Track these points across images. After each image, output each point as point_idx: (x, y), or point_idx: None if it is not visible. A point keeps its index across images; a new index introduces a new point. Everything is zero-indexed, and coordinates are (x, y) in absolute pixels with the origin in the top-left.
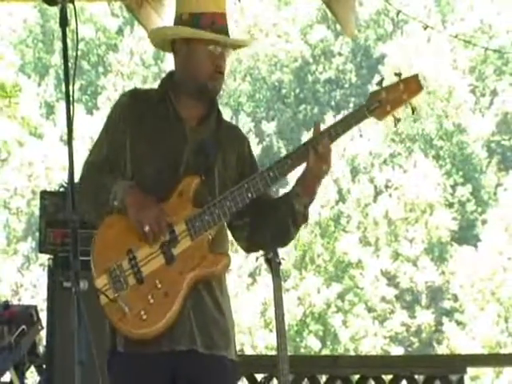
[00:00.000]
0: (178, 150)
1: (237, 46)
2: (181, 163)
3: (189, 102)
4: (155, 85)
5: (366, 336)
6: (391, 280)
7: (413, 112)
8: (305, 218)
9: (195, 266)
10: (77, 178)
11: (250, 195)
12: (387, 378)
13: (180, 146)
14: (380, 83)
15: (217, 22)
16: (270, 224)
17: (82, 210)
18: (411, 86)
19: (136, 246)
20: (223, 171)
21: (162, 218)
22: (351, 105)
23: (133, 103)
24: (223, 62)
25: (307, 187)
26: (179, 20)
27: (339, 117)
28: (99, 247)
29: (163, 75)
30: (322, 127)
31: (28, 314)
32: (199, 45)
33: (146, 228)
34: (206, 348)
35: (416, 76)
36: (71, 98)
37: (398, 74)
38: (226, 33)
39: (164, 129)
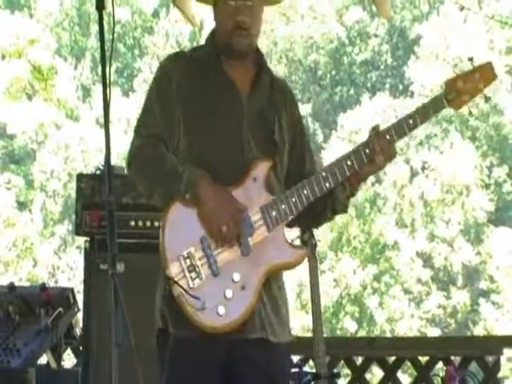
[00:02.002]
0: (237, 122)
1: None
2: (243, 139)
3: (235, 63)
4: None
5: (402, 318)
6: (427, 261)
7: (486, 101)
8: (345, 210)
9: (273, 257)
10: (113, 161)
11: (328, 185)
12: (423, 359)
13: (239, 117)
14: (471, 61)
15: None
16: (308, 210)
17: (144, 193)
18: (486, 74)
19: (210, 234)
20: (280, 141)
21: (239, 218)
22: (387, 86)
23: (182, 69)
24: (244, 17)
25: (356, 181)
26: None
27: (375, 99)
28: (170, 231)
29: None
30: (359, 111)
31: (65, 297)
32: (221, 5)
33: (224, 228)
34: (274, 336)
35: (490, 64)
36: (107, 81)
37: (471, 59)
38: None
39: (219, 98)
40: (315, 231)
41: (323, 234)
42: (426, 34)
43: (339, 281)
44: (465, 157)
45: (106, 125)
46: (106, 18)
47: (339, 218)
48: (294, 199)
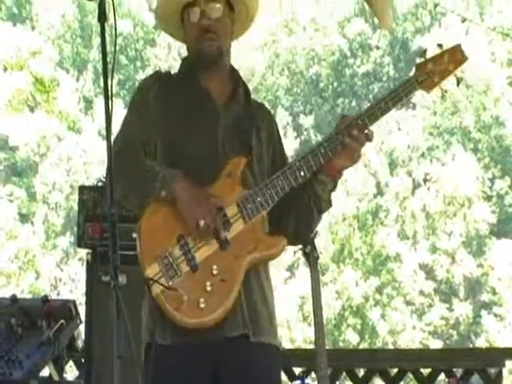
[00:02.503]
0: (212, 127)
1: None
2: (217, 141)
3: (211, 76)
4: None
5: (405, 329)
6: (429, 273)
7: (458, 83)
8: (329, 204)
9: (252, 249)
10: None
11: (302, 174)
12: (425, 371)
13: (214, 123)
14: (423, 54)
15: None
16: (293, 214)
17: (121, 194)
18: (456, 56)
19: (187, 232)
20: (258, 146)
21: (216, 212)
22: None
23: (159, 83)
24: (207, 20)
25: (334, 173)
26: None
27: None
28: (146, 235)
29: None
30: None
31: (67, 309)
32: (187, 14)
33: (201, 223)
34: (255, 335)
35: (459, 46)
36: (109, 93)
37: (440, 45)
38: None
39: (195, 107)
40: (317, 243)
41: (325, 246)
42: (428, 46)
43: (341, 293)
44: (467, 169)
45: (108, 137)
46: (108, 30)
47: (341, 230)
48: (269, 191)
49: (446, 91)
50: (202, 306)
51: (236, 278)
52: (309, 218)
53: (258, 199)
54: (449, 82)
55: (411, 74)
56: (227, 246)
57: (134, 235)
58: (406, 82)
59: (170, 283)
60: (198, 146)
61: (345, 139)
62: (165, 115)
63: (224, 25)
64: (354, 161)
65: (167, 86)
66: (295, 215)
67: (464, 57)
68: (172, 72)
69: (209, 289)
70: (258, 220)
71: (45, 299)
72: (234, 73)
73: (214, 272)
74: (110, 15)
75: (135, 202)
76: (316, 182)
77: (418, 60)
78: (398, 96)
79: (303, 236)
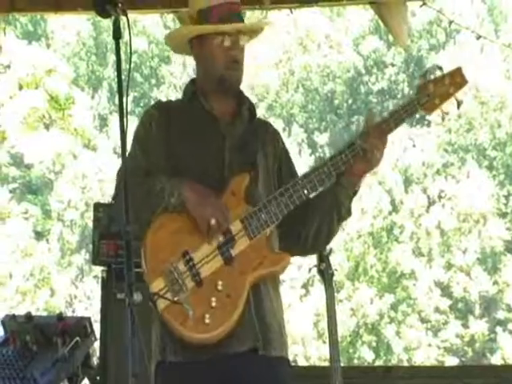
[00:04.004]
0: (218, 148)
1: (251, 32)
2: (224, 162)
3: (217, 99)
4: None
5: (420, 347)
6: (444, 290)
7: (458, 107)
8: (349, 213)
9: (257, 265)
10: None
11: (305, 192)
12: None
13: (219, 143)
14: (424, 75)
15: (225, 12)
16: (315, 221)
17: (132, 218)
18: (456, 79)
19: (192, 247)
20: (265, 163)
21: (226, 209)
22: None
23: (163, 112)
24: (236, 51)
25: (354, 179)
26: (190, 20)
27: None
28: (151, 249)
29: None
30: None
31: (82, 326)
32: (209, 39)
33: (212, 221)
34: (264, 349)
35: (459, 69)
36: (124, 111)
37: (440, 68)
38: (239, 20)
39: (199, 129)
40: (332, 260)
41: (340, 263)
42: (443, 63)
43: (356, 310)
44: (482, 186)
45: (124, 154)
46: (122, 47)
47: (356, 247)
48: (273, 208)
49: (447, 113)
50: (207, 321)
51: (241, 294)
52: (330, 226)
53: (263, 216)
54: (451, 104)
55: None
56: (232, 261)
57: (142, 245)
58: (407, 104)
59: (176, 298)
60: (205, 171)
61: (364, 145)
62: (169, 141)
63: (244, 54)
64: (370, 162)
65: (169, 113)
66: (317, 222)
67: (464, 80)
68: (173, 99)
69: (214, 304)
70: (262, 237)
71: (60, 316)
72: (239, 92)
73: (219, 288)
74: (125, 33)
75: (146, 218)
76: (337, 186)
77: (427, 77)
78: (400, 117)
79: (321, 245)
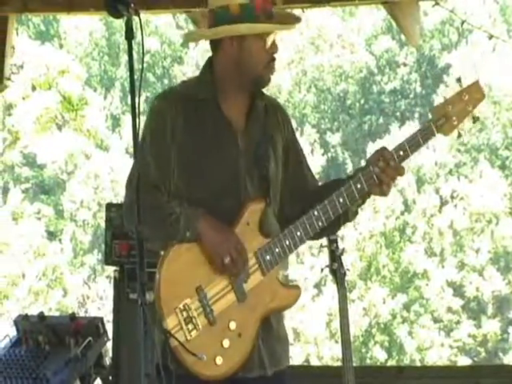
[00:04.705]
0: (233, 162)
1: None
2: (239, 176)
3: (235, 95)
4: None
5: (432, 346)
6: (457, 290)
7: (474, 122)
8: (355, 214)
9: (268, 301)
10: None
11: (320, 224)
12: None
13: (235, 158)
14: (459, 82)
15: (267, 8)
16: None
17: (143, 235)
18: (474, 94)
19: (206, 282)
20: (275, 169)
21: (242, 248)
22: (416, 115)
23: (176, 110)
24: (276, 50)
25: (366, 196)
26: (226, 13)
27: (404, 128)
28: (165, 283)
29: None
30: (388, 140)
31: (94, 326)
32: (253, 38)
33: (227, 260)
34: (271, 367)
35: (477, 83)
36: (137, 111)
37: (459, 80)
38: (272, 15)
39: (214, 137)
40: (344, 260)
41: (352, 263)
42: (455, 63)
43: (369, 310)
44: (494, 185)
45: (136, 154)
46: (135, 47)
47: (368, 248)
48: (287, 241)
49: (462, 130)
50: (219, 362)
51: (252, 332)
52: (333, 227)
53: (277, 250)
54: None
55: (429, 117)
56: (244, 297)
57: (156, 278)
58: (425, 129)
59: (189, 337)
60: (219, 181)
61: (364, 189)
62: (184, 151)
63: None
64: (383, 193)
65: (185, 111)
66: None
67: (482, 95)
68: (187, 88)
69: (226, 346)
70: (274, 271)
71: (72, 317)
72: None
73: (232, 327)
74: (138, 33)
75: (160, 245)
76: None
77: (436, 100)
78: (417, 143)
79: (319, 236)
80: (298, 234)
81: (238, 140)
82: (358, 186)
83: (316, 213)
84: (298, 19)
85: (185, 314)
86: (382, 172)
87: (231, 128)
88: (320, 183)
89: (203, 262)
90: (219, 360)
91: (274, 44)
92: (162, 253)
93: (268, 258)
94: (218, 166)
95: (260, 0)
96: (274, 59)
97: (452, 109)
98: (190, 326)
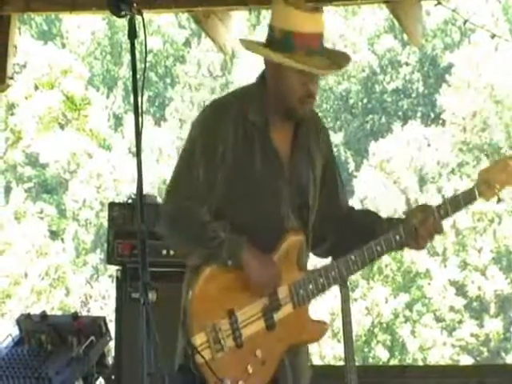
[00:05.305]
0: (277, 192)
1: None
2: (280, 206)
3: (281, 124)
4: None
5: (435, 346)
6: (459, 289)
7: (498, 202)
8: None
9: (296, 334)
10: (145, 190)
11: (356, 267)
12: None
13: (280, 187)
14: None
15: (312, 45)
16: (346, 246)
17: (181, 251)
18: None
19: (238, 307)
20: (313, 193)
21: (280, 280)
22: (419, 114)
23: (228, 130)
24: (314, 85)
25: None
26: (271, 34)
27: (407, 126)
28: (199, 299)
29: (231, 86)
30: (390, 139)
31: (97, 326)
32: (287, 70)
33: (268, 293)
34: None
35: None
36: (140, 110)
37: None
38: (322, 53)
39: (261, 168)
40: None
41: None
42: (458, 62)
43: (371, 309)
44: None
45: (138, 154)
46: (137, 47)
47: None
48: (321, 280)
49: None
50: None
51: (275, 362)
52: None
53: (310, 287)
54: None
55: (474, 182)
56: (273, 327)
57: (190, 293)
58: (467, 192)
59: (215, 357)
60: (263, 209)
61: (403, 240)
62: (232, 173)
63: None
64: (419, 247)
65: (236, 134)
66: (348, 244)
67: None
68: (238, 101)
69: (250, 371)
70: (305, 305)
71: (75, 316)
72: None
73: (257, 354)
74: (140, 32)
75: (197, 261)
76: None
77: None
78: (458, 205)
79: (330, 255)
80: (333, 274)
81: (285, 171)
82: (397, 237)
83: (353, 257)
84: (347, 60)
85: (214, 334)
86: (421, 226)
87: (278, 159)
88: (351, 206)
89: (239, 286)
90: None
91: (312, 79)
92: (197, 267)
93: (301, 292)
94: (263, 195)
95: (302, 34)
96: (310, 95)
97: (496, 176)
98: (218, 347)
